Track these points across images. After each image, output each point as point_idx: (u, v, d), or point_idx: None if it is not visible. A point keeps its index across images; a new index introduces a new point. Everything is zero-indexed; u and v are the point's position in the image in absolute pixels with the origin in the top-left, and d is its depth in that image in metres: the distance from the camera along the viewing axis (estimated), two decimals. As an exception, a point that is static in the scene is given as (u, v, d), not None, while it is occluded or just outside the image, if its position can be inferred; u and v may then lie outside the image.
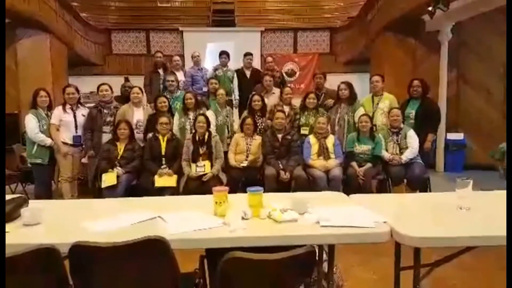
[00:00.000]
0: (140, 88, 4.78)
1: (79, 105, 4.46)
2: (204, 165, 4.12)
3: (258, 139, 4.47)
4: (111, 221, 1.70)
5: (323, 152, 4.31)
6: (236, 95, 5.74)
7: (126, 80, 6.89)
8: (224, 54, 5.84)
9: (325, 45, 10.19)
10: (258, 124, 4.62)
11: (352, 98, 4.71)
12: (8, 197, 1.88)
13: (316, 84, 5.34)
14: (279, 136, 4.37)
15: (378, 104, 4.66)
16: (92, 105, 4.75)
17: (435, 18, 5.90)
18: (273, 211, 1.71)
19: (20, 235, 1.58)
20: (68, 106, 4.34)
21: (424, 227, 1.62)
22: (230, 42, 8.72)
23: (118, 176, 3.98)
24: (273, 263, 1.28)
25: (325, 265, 1.87)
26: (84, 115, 4.40)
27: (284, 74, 7.94)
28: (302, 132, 4.64)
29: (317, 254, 1.46)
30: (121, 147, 4.19)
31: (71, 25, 7.69)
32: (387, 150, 4.32)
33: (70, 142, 4.31)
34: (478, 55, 6.86)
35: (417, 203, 2.14)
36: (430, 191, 4.24)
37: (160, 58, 5.96)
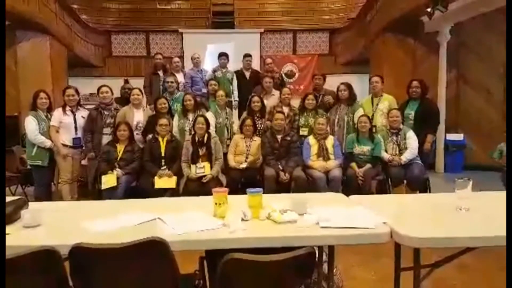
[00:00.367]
0: (140, 90, 4.79)
1: (79, 107, 4.46)
2: (204, 166, 4.12)
3: (257, 140, 4.47)
4: (111, 222, 1.70)
5: (323, 153, 4.31)
6: (235, 97, 5.74)
7: (126, 82, 6.89)
8: (223, 56, 5.84)
9: (325, 46, 10.19)
10: (257, 125, 4.61)
11: (351, 99, 4.72)
12: (8, 199, 1.88)
13: (315, 85, 5.35)
14: (279, 137, 4.37)
15: (377, 105, 4.66)
16: (92, 107, 4.76)
17: (434, 19, 5.91)
18: (273, 212, 1.70)
19: (20, 237, 1.57)
20: (68, 108, 4.34)
21: (424, 227, 1.62)
22: (229, 43, 8.75)
23: (117, 178, 3.98)
24: (273, 264, 1.28)
25: (325, 266, 1.87)
26: (84, 117, 4.40)
27: (283, 75, 7.94)
28: (302, 133, 4.65)
29: (317, 255, 1.46)
30: (120, 148, 4.19)
31: (71, 27, 7.69)
32: (386, 151, 4.32)
33: (70, 144, 4.31)
34: (478, 55, 6.86)
35: (417, 204, 2.13)
36: (429, 191, 4.24)
37: (160, 60, 5.96)
